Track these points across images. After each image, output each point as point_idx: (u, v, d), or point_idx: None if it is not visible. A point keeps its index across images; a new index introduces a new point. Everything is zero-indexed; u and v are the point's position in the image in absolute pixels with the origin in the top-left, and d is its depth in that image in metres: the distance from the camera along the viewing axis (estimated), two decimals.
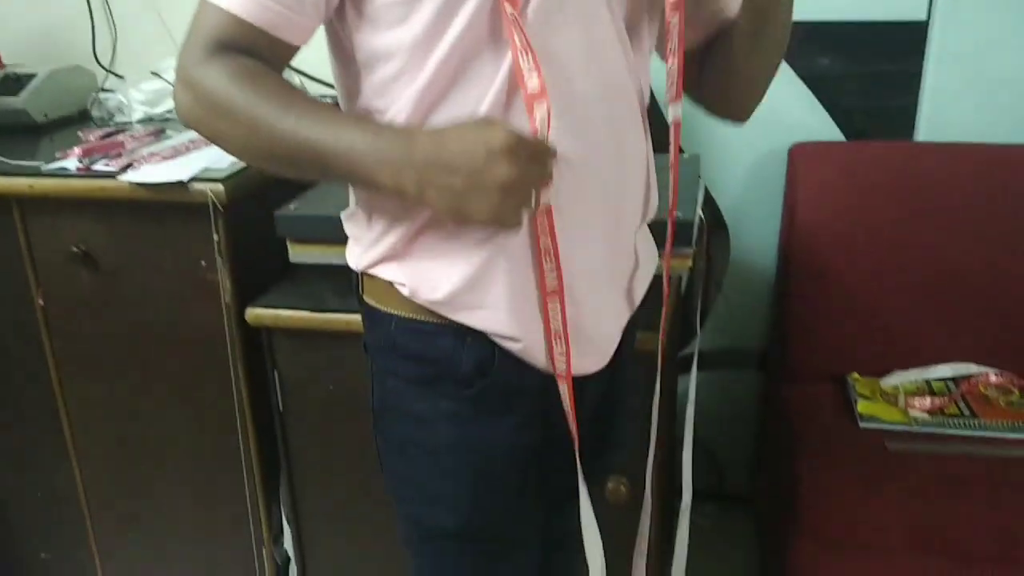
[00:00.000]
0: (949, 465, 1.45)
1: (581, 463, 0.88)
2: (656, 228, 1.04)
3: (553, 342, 0.82)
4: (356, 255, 0.88)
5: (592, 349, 0.89)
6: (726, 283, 1.87)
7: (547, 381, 0.85)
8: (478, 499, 0.88)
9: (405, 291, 0.83)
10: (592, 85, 0.79)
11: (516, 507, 0.91)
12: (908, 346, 1.69)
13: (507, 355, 0.83)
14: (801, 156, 1.73)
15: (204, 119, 0.77)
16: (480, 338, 0.82)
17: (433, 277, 0.81)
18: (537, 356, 0.84)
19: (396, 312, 0.85)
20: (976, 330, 1.67)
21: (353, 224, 0.89)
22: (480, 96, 0.76)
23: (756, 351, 1.94)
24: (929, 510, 1.38)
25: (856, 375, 1.67)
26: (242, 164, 1.37)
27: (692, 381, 1.24)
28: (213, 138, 0.79)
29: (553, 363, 0.84)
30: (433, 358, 0.84)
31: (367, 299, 0.88)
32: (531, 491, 0.91)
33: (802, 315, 1.73)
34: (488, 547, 0.91)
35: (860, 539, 1.40)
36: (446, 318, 0.82)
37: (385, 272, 0.84)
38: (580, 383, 0.86)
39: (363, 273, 0.87)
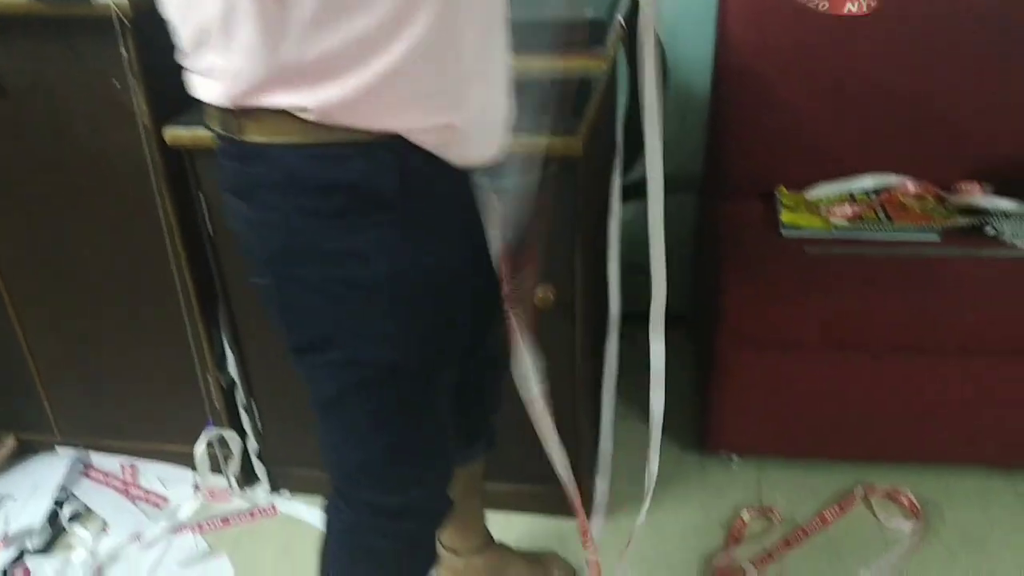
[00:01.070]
0: (863, 267, 1.52)
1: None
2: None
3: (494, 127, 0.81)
4: (226, 89, 0.75)
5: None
6: (665, 107, 1.86)
7: (467, 186, 0.84)
8: (412, 330, 0.85)
9: (309, 115, 0.73)
10: None
11: (453, 332, 0.91)
12: (836, 160, 1.73)
13: (424, 163, 0.79)
14: None
15: None
16: (396, 148, 0.77)
17: (341, 88, 0.73)
18: (466, 145, 0.81)
19: (294, 142, 0.74)
20: (901, 143, 1.71)
21: (216, 53, 0.74)
22: None
23: (697, 175, 1.96)
24: (842, 308, 1.46)
25: (783, 189, 1.72)
26: None
27: (615, 196, 1.26)
28: None
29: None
30: (348, 184, 0.77)
31: (251, 138, 0.76)
32: (465, 314, 0.92)
33: (735, 133, 1.75)
34: (421, 375, 0.90)
35: (778, 337, 1.48)
36: (357, 133, 0.75)
37: (275, 100, 0.73)
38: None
39: (240, 109, 0.75)
